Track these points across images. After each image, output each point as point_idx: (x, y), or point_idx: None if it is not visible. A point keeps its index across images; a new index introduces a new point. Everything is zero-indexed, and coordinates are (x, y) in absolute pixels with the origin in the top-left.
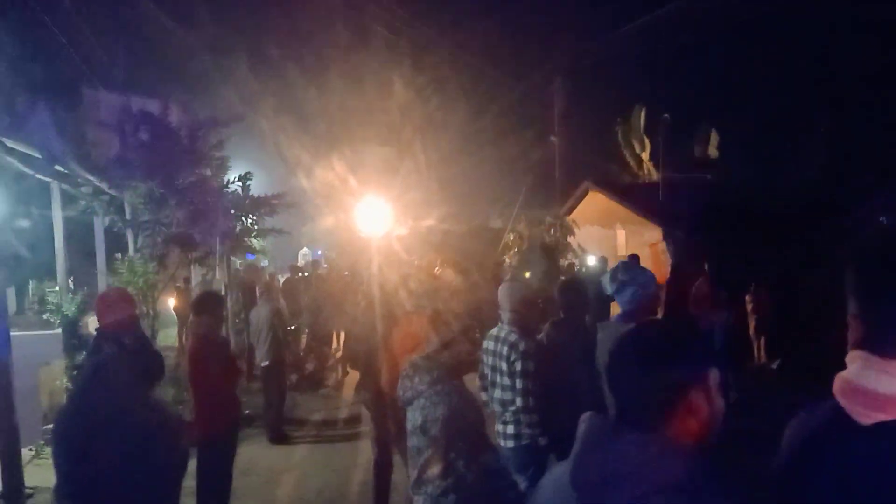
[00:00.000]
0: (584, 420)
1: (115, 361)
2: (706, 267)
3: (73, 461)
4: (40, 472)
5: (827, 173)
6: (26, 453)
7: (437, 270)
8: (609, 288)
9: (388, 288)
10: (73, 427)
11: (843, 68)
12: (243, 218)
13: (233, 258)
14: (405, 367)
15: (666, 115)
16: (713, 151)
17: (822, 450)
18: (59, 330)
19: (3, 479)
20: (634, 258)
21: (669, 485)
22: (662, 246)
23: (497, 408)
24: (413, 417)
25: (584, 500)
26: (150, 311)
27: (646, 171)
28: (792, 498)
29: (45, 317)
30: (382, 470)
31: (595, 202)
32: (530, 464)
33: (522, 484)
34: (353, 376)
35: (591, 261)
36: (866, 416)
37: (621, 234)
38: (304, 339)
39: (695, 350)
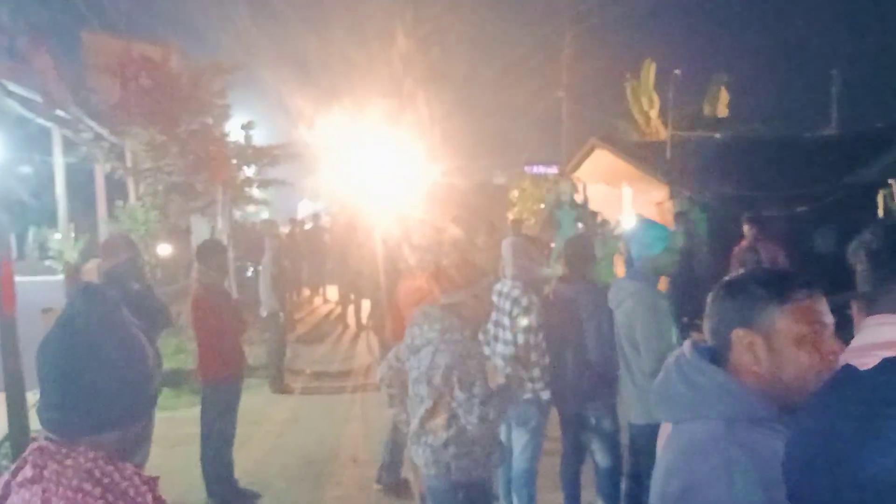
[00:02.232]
0: (675, 353)
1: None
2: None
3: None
4: None
5: (839, 136)
6: (31, 397)
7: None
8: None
9: (391, 242)
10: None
11: (858, 26)
12: (245, 167)
13: (234, 209)
14: (415, 315)
15: (677, 71)
16: (723, 110)
17: (829, 397)
18: (62, 276)
19: (8, 422)
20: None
21: (752, 417)
22: (669, 205)
23: (499, 362)
24: (418, 365)
25: (656, 411)
26: (152, 260)
27: (654, 129)
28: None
29: (46, 263)
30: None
31: (601, 159)
32: (531, 418)
33: (523, 438)
34: (353, 329)
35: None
36: (873, 360)
37: (627, 193)
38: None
39: (749, 291)
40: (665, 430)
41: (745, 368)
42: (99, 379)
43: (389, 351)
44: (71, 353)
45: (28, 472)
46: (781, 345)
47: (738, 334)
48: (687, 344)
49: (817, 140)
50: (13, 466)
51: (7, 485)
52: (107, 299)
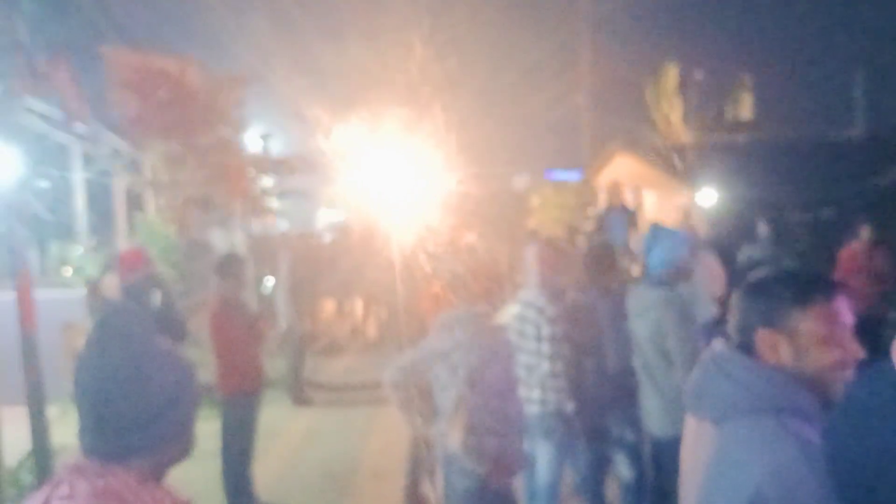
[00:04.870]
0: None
1: (126, 309)
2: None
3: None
4: (67, 430)
5: (865, 137)
6: (52, 412)
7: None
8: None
9: (407, 251)
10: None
11: (882, 26)
12: (263, 178)
13: (252, 221)
14: (443, 320)
15: (698, 75)
16: (746, 113)
17: (863, 403)
18: (82, 290)
19: (32, 437)
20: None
21: (797, 408)
22: (691, 209)
23: (523, 372)
24: (447, 369)
25: (692, 410)
26: (172, 273)
27: (675, 133)
28: (837, 444)
29: (67, 277)
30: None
31: (623, 165)
32: (556, 429)
33: (547, 450)
34: (376, 340)
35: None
36: None
37: (650, 198)
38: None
39: (774, 292)
40: (701, 430)
41: (769, 365)
42: (132, 405)
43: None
44: (104, 378)
45: (65, 489)
46: (804, 345)
47: (763, 334)
48: (719, 342)
49: (842, 142)
50: (53, 481)
51: (47, 500)
52: (140, 321)
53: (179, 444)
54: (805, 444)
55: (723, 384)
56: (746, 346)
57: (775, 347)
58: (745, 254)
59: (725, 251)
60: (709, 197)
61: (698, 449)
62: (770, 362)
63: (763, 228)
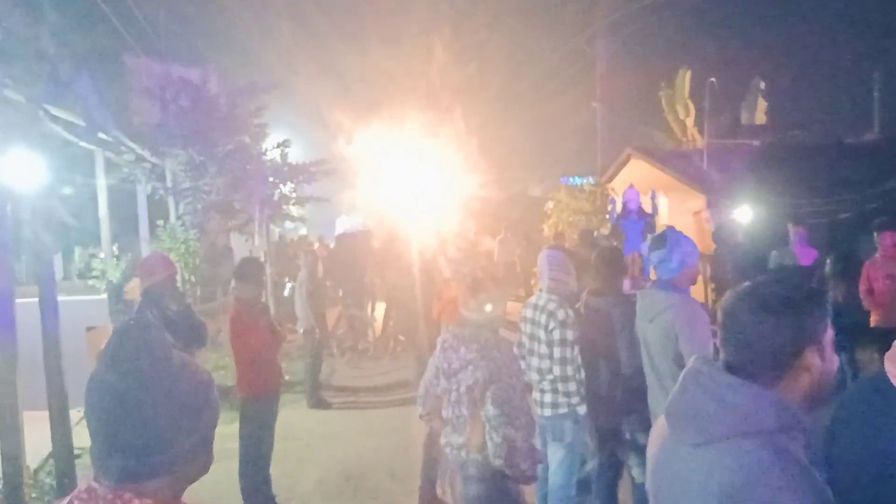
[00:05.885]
0: (690, 361)
1: (145, 321)
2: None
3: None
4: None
5: (882, 140)
6: (75, 415)
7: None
8: (649, 256)
9: (427, 255)
10: (101, 388)
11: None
12: (281, 185)
13: (272, 225)
14: (446, 339)
15: (712, 79)
16: (761, 117)
17: (855, 407)
18: (105, 295)
19: (52, 439)
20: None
21: (759, 431)
22: (706, 214)
23: (535, 376)
24: (457, 387)
25: (674, 433)
26: (192, 278)
27: (690, 137)
28: (838, 452)
29: (90, 283)
30: (434, 438)
31: (637, 169)
32: (568, 433)
33: (559, 453)
34: (392, 344)
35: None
36: None
37: (664, 202)
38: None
39: (812, 308)
40: (677, 451)
41: (794, 385)
42: (147, 427)
43: (424, 365)
44: (116, 399)
45: None
46: (827, 356)
47: (810, 352)
48: (698, 360)
49: (859, 145)
50: (65, 501)
51: None
52: (156, 335)
53: (198, 463)
54: (791, 464)
55: (708, 405)
56: (744, 366)
57: (812, 363)
58: (775, 260)
59: (740, 254)
60: (724, 202)
61: (676, 468)
62: (803, 384)
63: (794, 233)
